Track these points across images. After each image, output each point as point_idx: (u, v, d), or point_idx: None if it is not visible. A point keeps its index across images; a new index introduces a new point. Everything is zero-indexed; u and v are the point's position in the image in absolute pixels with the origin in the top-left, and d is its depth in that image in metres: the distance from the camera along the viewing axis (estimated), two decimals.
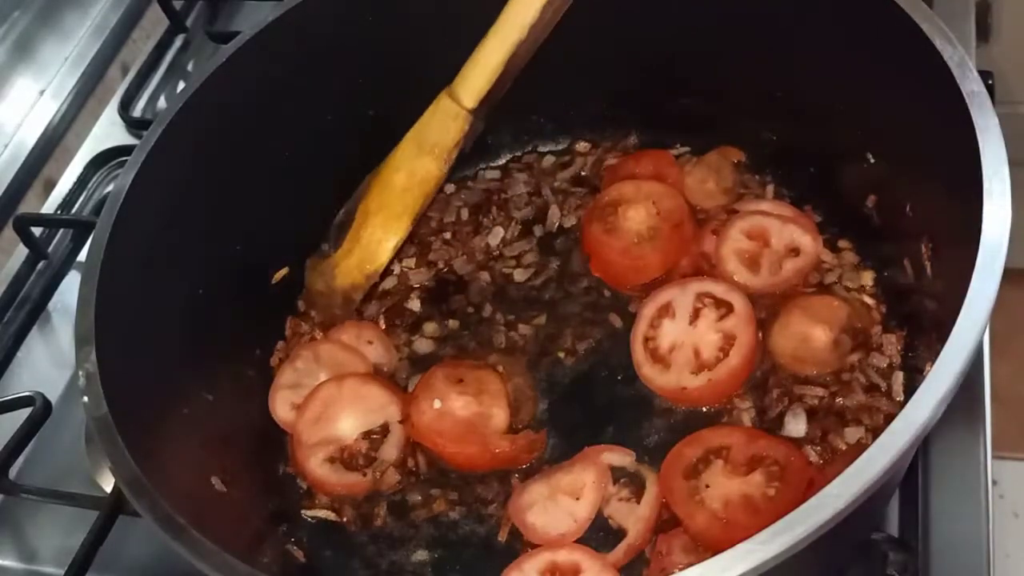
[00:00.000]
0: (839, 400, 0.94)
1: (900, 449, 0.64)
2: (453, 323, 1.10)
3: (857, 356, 0.96)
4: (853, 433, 0.91)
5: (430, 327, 1.10)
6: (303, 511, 0.99)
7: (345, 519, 0.98)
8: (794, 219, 1.05)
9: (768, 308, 1.01)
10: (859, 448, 0.87)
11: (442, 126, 1.06)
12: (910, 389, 0.92)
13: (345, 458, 0.99)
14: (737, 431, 0.92)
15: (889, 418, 0.81)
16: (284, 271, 1.12)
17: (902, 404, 0.87)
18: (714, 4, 1.03)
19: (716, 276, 1.03)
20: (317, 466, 0.99)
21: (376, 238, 1.08)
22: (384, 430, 1.00)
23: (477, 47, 1.02)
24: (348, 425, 1.00)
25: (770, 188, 1.11)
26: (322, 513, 0.99)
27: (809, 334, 0.97)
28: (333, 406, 1.01)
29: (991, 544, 0.88)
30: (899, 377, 0.94)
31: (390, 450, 0.99)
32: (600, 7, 1.04)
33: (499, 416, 0.99)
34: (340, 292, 1.10)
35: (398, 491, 0.99)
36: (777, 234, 1.04)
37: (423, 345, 1.09)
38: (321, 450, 0.99)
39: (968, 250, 0.71)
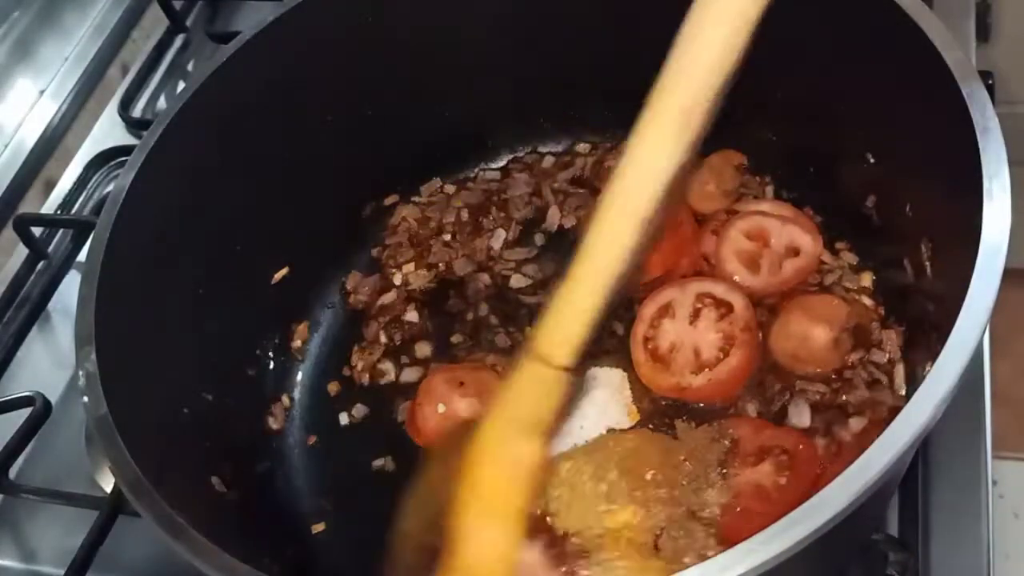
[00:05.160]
0: (842, 396, 0.94)
1: (900, 449, 0.64)
2: (455, 335, 1.10)
3: (858, 354, 0.96)
4: (857, 423, 0.92)
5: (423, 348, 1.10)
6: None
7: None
8: (794, 219, 1.06)
9: (768, 308, 1.01)
10: (864, 438, 0.87)
11: (538, 398, 0.82)
12: (912, 382, 0.93)
13: None
14: (744, 422, 0.93)
15: (892, 411, 0.81)
16: (284, 271, 1.12)
17: (905, 397, 0.89)
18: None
19: (716, 276, 1.03)
20: None
21: (489, 559, 0.79)
22: None
23: (559, 295, 0.81)
24: None
25: (769, 189, 1.11)
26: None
27: (809, 333, 0.97)
28: None
29: (991, 544, 0.88)
30: (900, 371, 0.94)
31: None
32: (602, 8, 1.04)
33: None
34: None
35: None
36: (777, 234, 1.04)
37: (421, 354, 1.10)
38: None
39: (968, 250, 0.71)
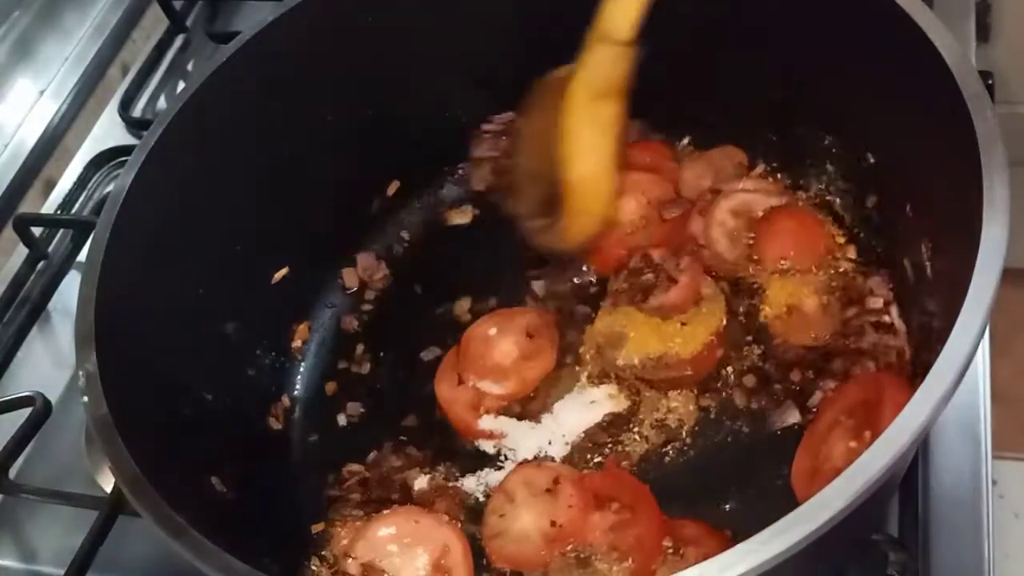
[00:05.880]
0: (854, 344, 0.95)
1: (900, 449, 0.64)
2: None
3: (853, 310, 0.97)
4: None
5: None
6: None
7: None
8: (778, 194, 1.07)
9: (752, 291, 1.03)
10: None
11: (608, 70, 1.01)
12: (908, 322, 0.94)
13: None
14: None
15: (900, 354, 0.90)
16: (284, 271, 1.12)
17: (907, 334, 0.92)
18: (714, 5, 1.03)
19: (705, 256, 1.05)
20: None
21: (593, 198, 1.04)
22: None
23: None
24: None
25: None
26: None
27: (798, 304, 0.99)
28: None
29: (991, 544, 0.88)
30: (894, 311, 0.95)
31: None
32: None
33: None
34: (572, 247, 1.08)
35: None
36: (762, 210, 1.05)
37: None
38: None
39: (968, 250, 0.71)
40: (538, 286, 1.11)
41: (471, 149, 1.20)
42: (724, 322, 1.01)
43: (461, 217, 1.21)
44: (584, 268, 1.11)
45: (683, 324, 1.01)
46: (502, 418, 1.02)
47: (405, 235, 1.21)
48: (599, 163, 1.03)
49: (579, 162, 1.03)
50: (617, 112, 1.03)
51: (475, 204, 1.21)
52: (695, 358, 0.99)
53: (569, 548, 0.89)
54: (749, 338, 1.01)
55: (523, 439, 1.00)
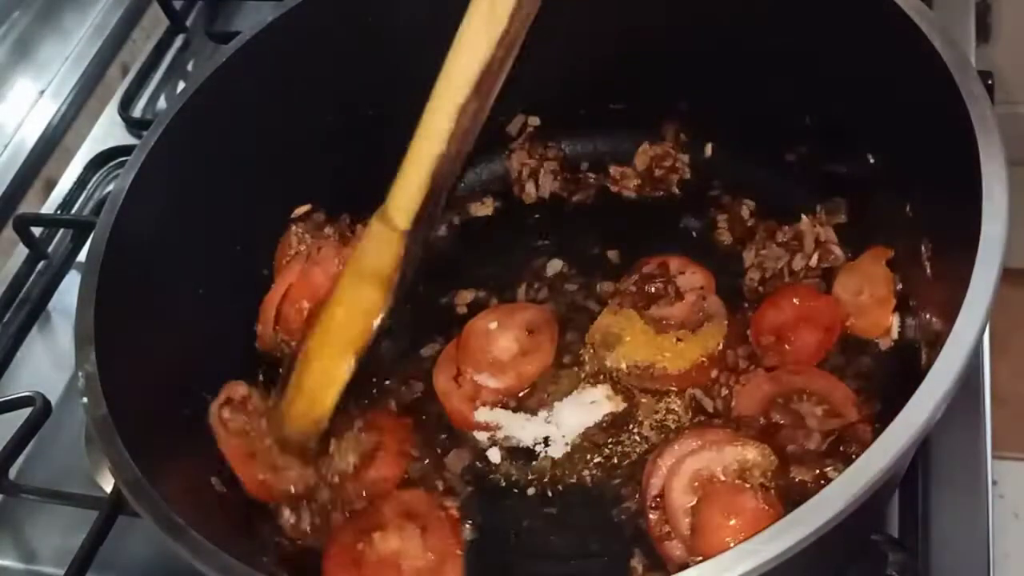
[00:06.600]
0: None
1: (900, 449, 0.64)
2: None
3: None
4: None
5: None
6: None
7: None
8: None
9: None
10: None
11: (378, 252, 0.97)
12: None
13: None
14: None
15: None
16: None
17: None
18: (712, 6, 1.03)
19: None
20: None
21: (319, 383, 0.97)
22: None
23: (402, 162, 0.96)
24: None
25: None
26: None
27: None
28: None
29: (991, 544, 0.88)
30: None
31: None
32: (602, 11, 1.04)
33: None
34: (294, 441, 0.97)
35: None
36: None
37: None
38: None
39: (968, 250, 0.71)
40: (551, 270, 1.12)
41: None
42: (720, 347, 0.99)
43: (483, 209, 1.21)
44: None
45: (678, 340, 1.00)
46: (498, 410, 1.02)
47: None
48: (337, 351, 0.97)
49: (319, 340, 0.97)
50: (378, 303, 0.97)
51: (496, 197, 1.21)
52: (681, 376, 0.99)
53: None
54: (744, 364, 0.99)
55: (520, 432, 1.00)
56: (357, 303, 0.97)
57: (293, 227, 1.10)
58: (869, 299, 0.97)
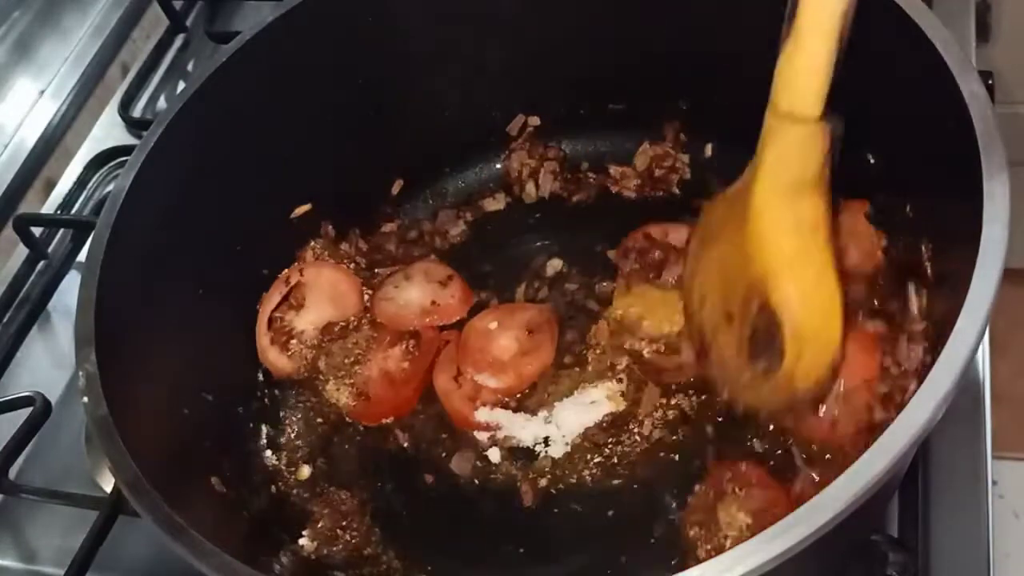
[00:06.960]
0: None
1: (900, 449, 0.64)
2: None
3: None
4: None
5: None
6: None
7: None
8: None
9: None
10: None
11: (801, 155, 0.84)
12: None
13: None
14: None
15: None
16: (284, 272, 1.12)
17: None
18: (710, 5, 1.03)
19: None
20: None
21: (818, 318, 0.84)
22: None
23: (786, 50, 0.84)
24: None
25: None
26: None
27: None
28: None
29: (991, 544, 0.88)
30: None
31: None
32: (603, 10, 1.04)
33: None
34: (804, 398, 0.86)
35: None
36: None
37: None
38: None
39: (968, 250, 0.71)
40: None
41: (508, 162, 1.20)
42: None
43: (495, 204, 1.21)
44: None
45: None
46: (498, 410, 1.02)
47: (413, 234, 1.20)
48: (814, 274, 0.83)
49: (788, 277, 0.83)
50: (822, 207, 0.85)
51: (507, 192, 1.21)
52: None
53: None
54: None
55: (520, 432, 1.00)
56: (803, 221, 0.84)
57: (312, 242, 1.12)
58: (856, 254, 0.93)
